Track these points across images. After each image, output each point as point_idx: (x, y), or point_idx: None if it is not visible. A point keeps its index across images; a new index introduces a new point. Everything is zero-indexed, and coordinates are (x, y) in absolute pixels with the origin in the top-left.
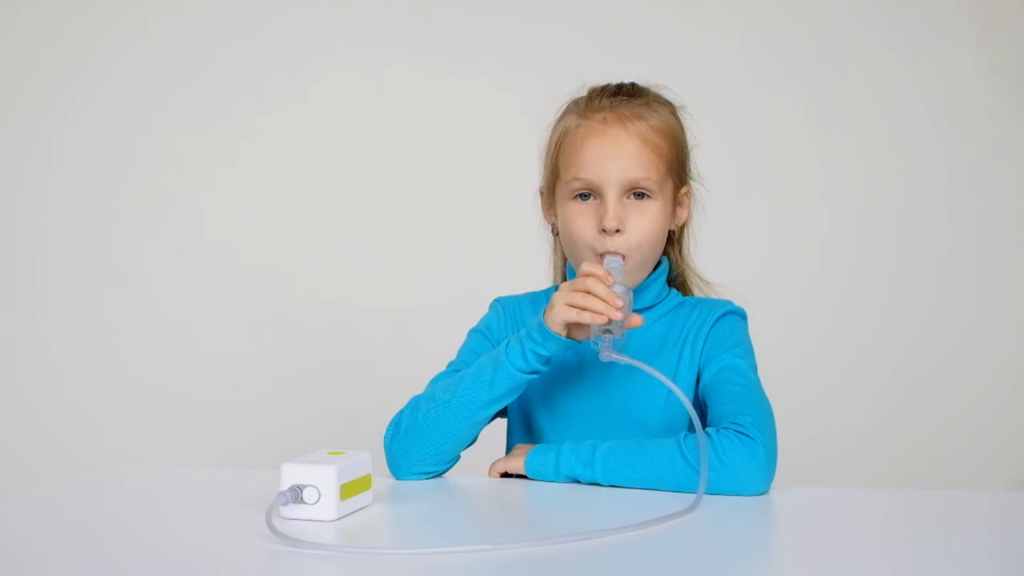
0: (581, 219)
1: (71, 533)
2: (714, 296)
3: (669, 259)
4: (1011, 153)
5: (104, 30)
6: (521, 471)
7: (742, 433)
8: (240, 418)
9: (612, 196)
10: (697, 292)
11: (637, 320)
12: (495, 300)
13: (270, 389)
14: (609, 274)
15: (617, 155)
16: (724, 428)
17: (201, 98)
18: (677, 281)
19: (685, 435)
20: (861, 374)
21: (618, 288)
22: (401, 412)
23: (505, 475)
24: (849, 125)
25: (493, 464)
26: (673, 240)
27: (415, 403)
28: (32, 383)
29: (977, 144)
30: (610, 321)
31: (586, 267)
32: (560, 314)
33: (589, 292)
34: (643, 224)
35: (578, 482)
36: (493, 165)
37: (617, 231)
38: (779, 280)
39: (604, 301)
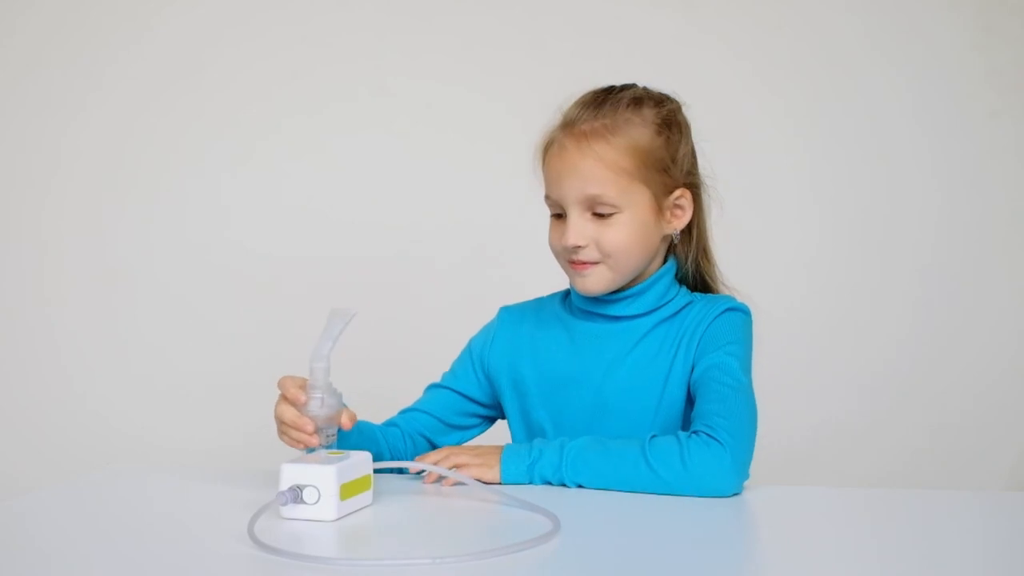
0: (554, 234)
1: (70, 533)
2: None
3: (677, 259)
4: (1011, 154)
5: (109, 33)
6: (497, 480)
7: (711, 437)
8: (241, 418)
9: (573, 213)
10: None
11: (345, 421)
12: (500, 309)
13: (270, 389)
14: (301, 392)
15: (573, 174)
16: (694, 431)
17: (210, 101)
18: (689, 280)
19: (652, 437)
20: (859, 373)
21: (313, 402)
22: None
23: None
24: (849, 125)
25: (455, 469)
26: (675, 242)
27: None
28: (41, 382)
29: (977, 145)
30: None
31: (281, 382)
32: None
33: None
34: (610, 236)
35: (550, 484)
36: (494, 165)
37: (579, 247)
38: (777, 279)
39: (296, 429)
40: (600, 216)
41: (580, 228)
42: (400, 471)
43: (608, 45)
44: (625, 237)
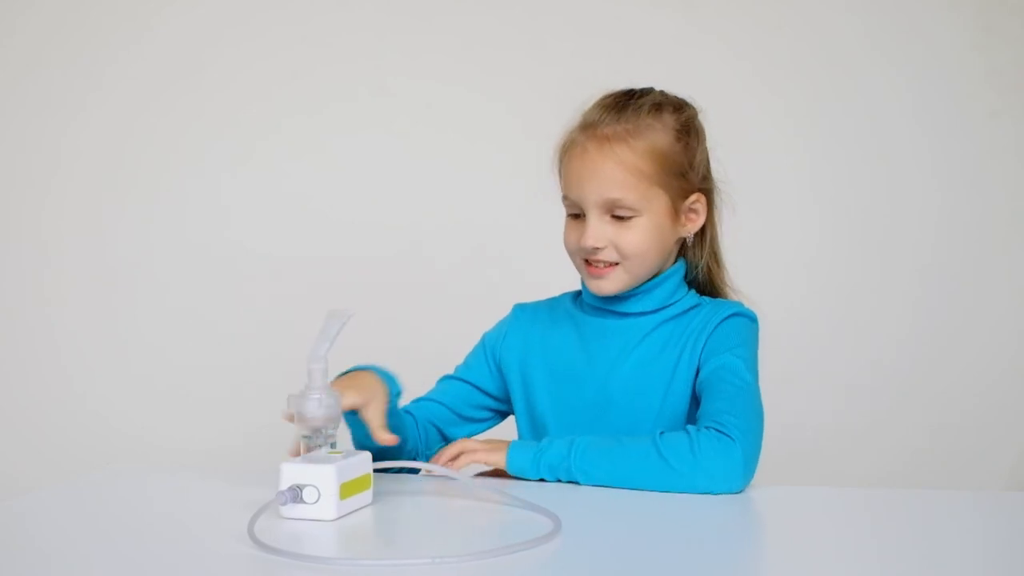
0: (571, 234)
1: (70, 533)
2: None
3: (687, 262)
4: (1011, 154)
5: (109, 33)
6: (499, 466)
7: (721, 432)
8: (241, 418)
9: (592, 215)
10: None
11: (389, 439)
12: (515, 306)
13: (270, 389)
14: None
15: (594, 177)
16: (705, 427)
17: (210, 101)
18: (699, 282)
19: (661, 432)
20: (859, 373)
21: (311, 403)
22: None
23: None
24: (849, 125)
25: (463, 455)
26: (688, 245)
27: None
28: (41, 383)
29: (977, 145)
30: (314, 432)
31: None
32: None
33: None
34: (628, 239)
35: (559, 480)
36: (494, 165)
37: (597, 248)
38: (778, 279)
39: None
40: (618, 219)
41: (599, 230)
42: (409, 470)
43: (608, 45)
44: (643, 240)
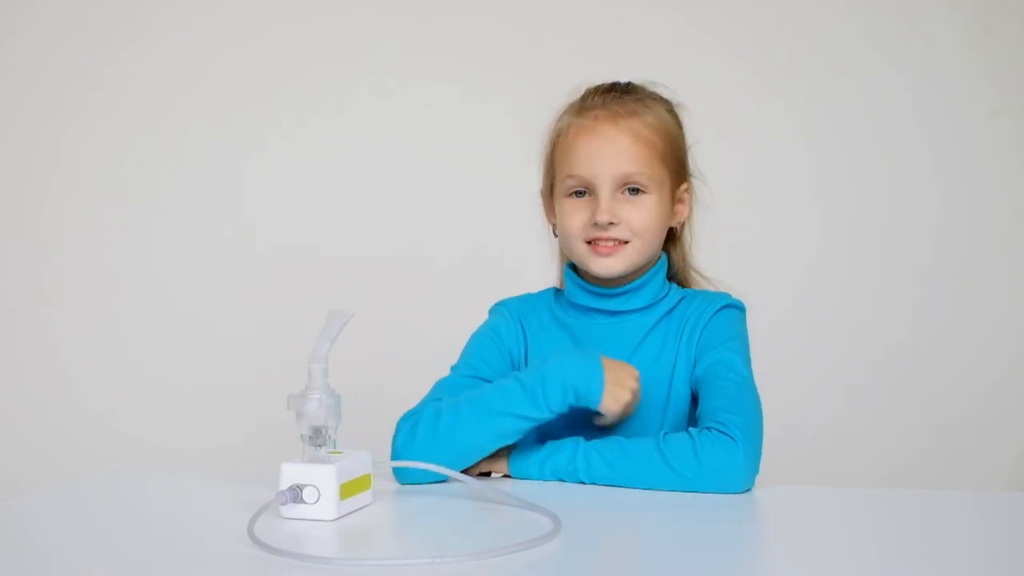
0: (575, 214)
1: (70, 533)
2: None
3: (669, 256)
4: (1011, 154)
5: (109, 33)
6: (503, 471)
7: (723, 433)
8: (241, 418)
9: (605, 191)
10: (696, 288)
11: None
12: (498, 304)
13: (270, 389)
14: None
15: (608, 151)
16: (706, 428)
17: (210, 101)
18: (678, 277)
19: (665, 434)
20: (860, 373)
21: (311, 403)
22: (418, 417)
23: (487, 475)
24: (849, 125)
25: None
26: (674, 237)
27: (436, 410)
28: (41, 383)
29: (977, 145)
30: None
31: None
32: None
33: None
34: (638, 215)
35: (562, 481)
36: (494, 165)
37: (611, 224)
38: (777, 278)
39: None
40: (629, 196)
41: (612, 205)
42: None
43: (608, 45)
44: (652, 218)
